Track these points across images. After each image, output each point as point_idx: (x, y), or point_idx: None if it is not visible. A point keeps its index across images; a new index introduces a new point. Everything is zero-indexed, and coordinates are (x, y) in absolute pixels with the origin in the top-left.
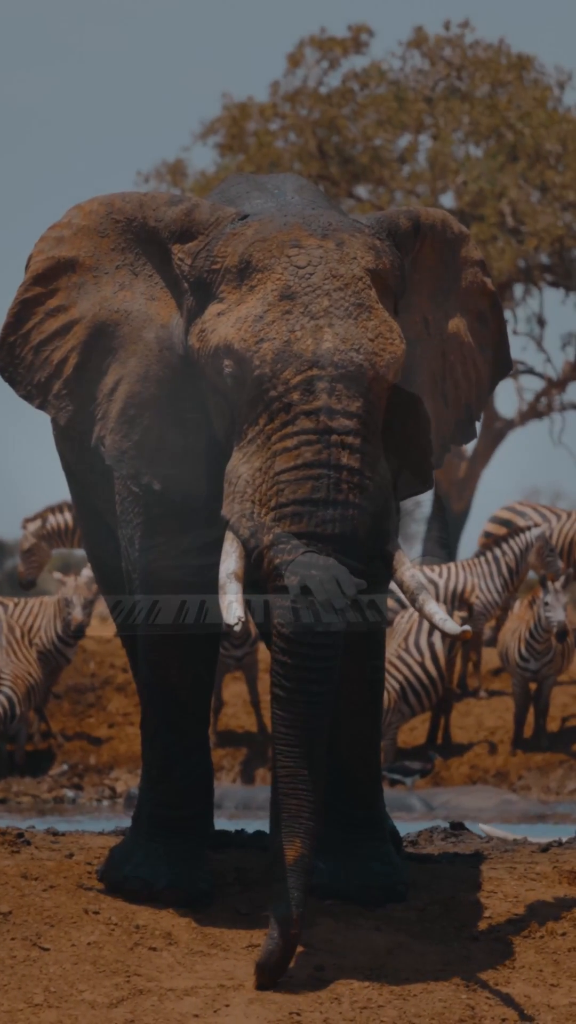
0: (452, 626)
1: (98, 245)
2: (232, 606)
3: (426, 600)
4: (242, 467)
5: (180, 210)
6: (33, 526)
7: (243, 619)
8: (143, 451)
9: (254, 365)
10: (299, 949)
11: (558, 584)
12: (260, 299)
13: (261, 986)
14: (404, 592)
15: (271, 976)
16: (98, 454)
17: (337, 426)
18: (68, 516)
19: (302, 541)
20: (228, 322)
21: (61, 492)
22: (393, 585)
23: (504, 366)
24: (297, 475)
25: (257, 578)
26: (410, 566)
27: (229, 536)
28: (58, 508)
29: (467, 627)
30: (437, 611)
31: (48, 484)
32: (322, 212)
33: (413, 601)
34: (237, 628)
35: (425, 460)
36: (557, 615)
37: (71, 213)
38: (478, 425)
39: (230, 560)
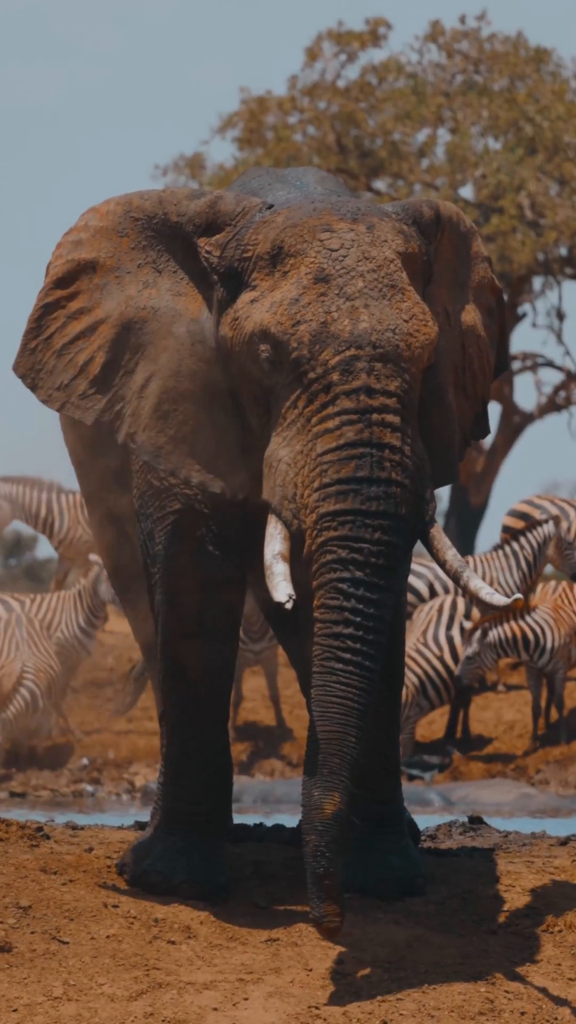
0: (500, 599)
1: (118, 245)
2: (281, 585)
3: (470, 578)
4: (282, 451)
5: (204, 203)
6: (6, 487)
7: (293, 597)
8: (179, 445)
9: (292, 347)
10: (319, 941)
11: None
12: (294, 283)
13: (328, 937)
14: (447, 572)
15: (331, 934)
16: (112, 448)
17: (377, 405)
18: (44, 496)
19: (348, 518)
20: (263, 307)
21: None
22: (420, 571)
23: (502, 364)
24: (340, 455)
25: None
26: (450, 545)
27: (272, 519)
28: (39, 486)
29: (518, 596)
30: (483, 587)
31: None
32: (349, 199)
33: (457, 580)
34: (288, 606)
35: (450, 450)
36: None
37: (87, 216)
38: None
39: (275, 542)
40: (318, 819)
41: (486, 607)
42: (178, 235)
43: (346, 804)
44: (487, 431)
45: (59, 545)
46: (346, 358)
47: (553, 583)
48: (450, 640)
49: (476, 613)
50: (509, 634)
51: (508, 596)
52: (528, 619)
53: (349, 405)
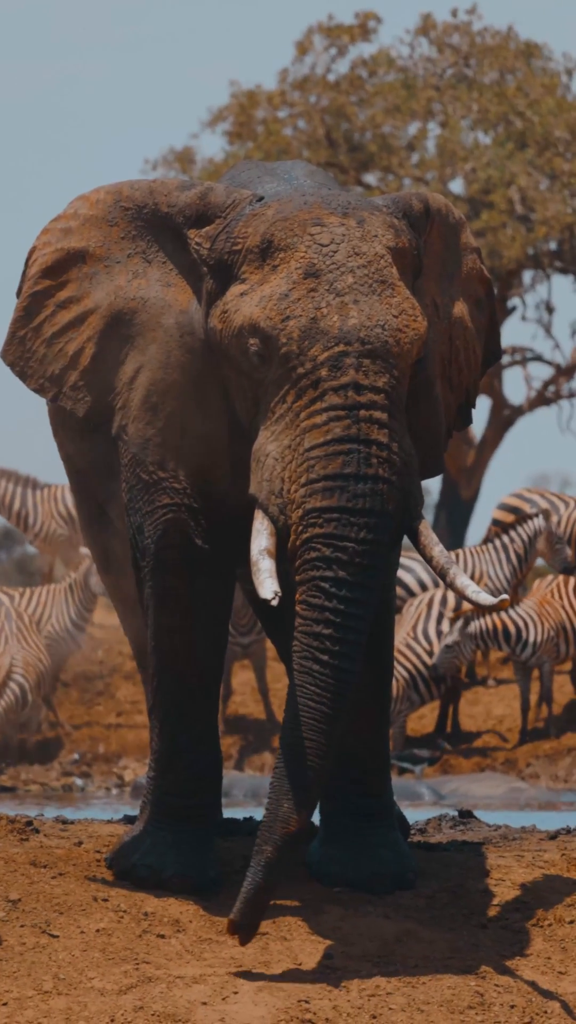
0: (486, 598)
1: (108, 234)
2: (267, 582)
3: (457, 575)
4: (270, 445)
5: (194, 194)
6: None
7: (279, 594)
8: (168, 437)
9: (281, 343)
10: (309, 935)
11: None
12: (284, 277)
13: (241, 941)
14: (434, 568)
15: (242, 941)
16: (101, 443)
17: (365, 401)
18: (18, 490)
19: (333, 515)
20: (252, 301)
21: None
22: (410, 565)
23: (494, 354)
24: (327, 451)
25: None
26: (437, 541)
27: (259, 514)
28: (14, 479)
29: (504, 596)
30: (469, 584)
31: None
32: (339, 192)
33: (443, 576)
34: (274, 603)
35: (437, 443)
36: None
37: (75, 204)
38: (473, 411)
39: (261, 537)
40: (281, 833)
41: (473, 605)
42: (168, 226)
43: (307, 821)
44: (469, 422)
45: (34, 539)
46: (335, 354)
47: (549, 577)
48: (440, 634)
49: (466, 608)
50: (490, 626)
51: (497, 590)
52: (512, 612)
53: (337, 401)
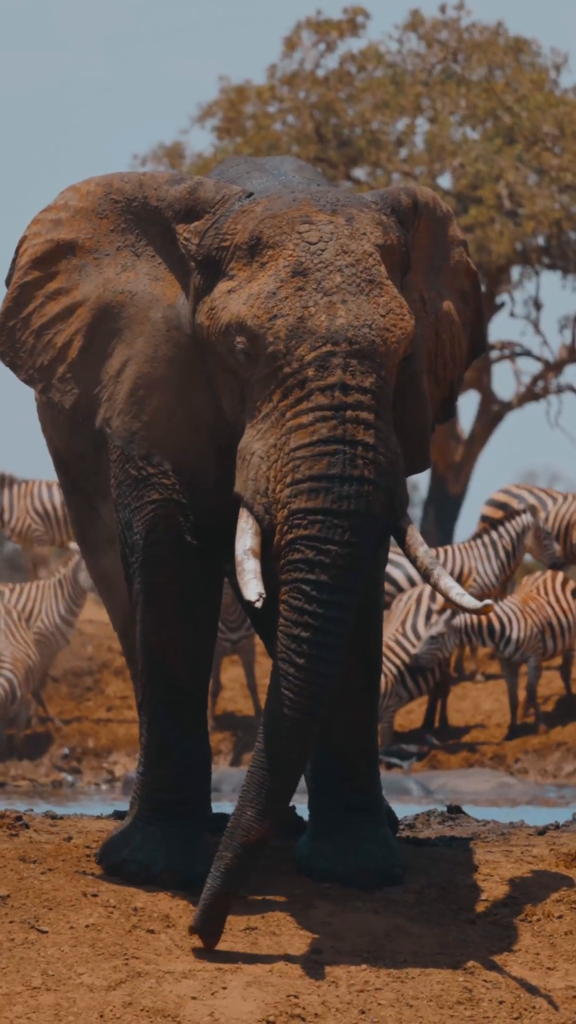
0: (470, 601)
1: (97, 227)
2: (251, 583)
3: (441, 575)
4: (256, 444)
5: (184, 189)
6: None
7: (263, 595)
8: (153, 431)
9: (268, 342)
10: (298, 930)
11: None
12: (272, 275)
13: (206, 946)
14: (418, 568)
15: (207, 947)
16: (90, 439)
17: (352, 402)
18: None
19: (318, 517)
20: (240, 299)
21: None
22: (399, 561)
23: (480, 347)
24: (313, 451)
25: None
26: (422, 541)
27: (244, 513)
28: None
29: (488, 601)
30: (453, 586)
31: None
32: (328, 189)
33: (427, 577)
34: (258, 604)
35: (424, 438)
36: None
37: (66, 195)
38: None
39: (246, 537)
40: (241, 841)
41: (456, 608)
42: (157, 220)
43: (272, 831)
44: (452, 415)
45: (11, 535)
46: (322, 354)
47: (538, 573)
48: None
49: None
50: (475, 620)
51: (486, 586)
52: (495, 608)
53: (324, 401)
